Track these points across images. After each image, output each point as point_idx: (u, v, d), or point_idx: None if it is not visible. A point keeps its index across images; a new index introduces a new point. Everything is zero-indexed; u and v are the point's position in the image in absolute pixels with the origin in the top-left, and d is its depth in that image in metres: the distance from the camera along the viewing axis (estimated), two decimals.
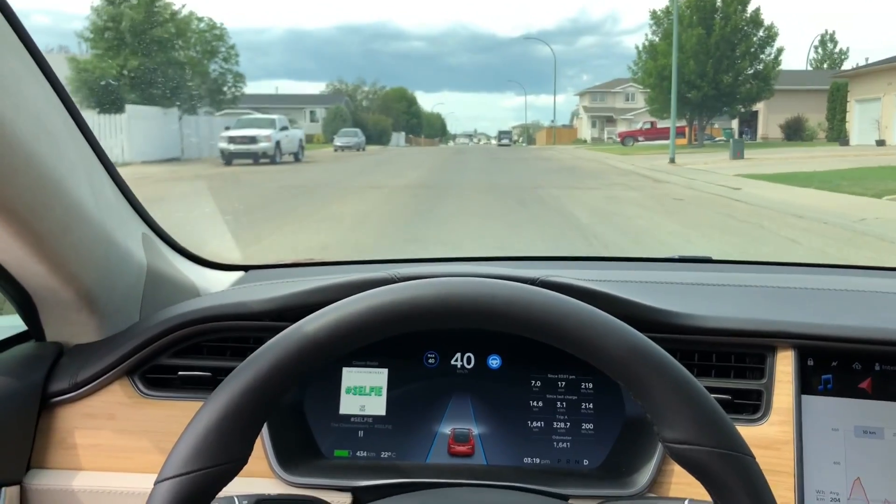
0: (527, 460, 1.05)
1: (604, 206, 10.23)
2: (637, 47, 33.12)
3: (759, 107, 32.47)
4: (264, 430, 0.99)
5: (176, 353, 1.07)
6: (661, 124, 37.20)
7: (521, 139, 70.63)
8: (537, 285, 0.67)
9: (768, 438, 0.98)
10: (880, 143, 24.85)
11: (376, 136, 47.09)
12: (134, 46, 19.06)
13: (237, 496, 0.78)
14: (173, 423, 1.02)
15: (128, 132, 17.46)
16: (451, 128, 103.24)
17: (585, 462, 1.05)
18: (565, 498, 0.96)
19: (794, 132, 32.73)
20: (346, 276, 1.03)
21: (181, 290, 1.24)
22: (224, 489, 0.62)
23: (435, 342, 1.09)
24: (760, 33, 29.54)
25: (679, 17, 25.93)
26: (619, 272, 1.35)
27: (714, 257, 1.55)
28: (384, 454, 1.06)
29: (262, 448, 0.99)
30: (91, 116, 16.54)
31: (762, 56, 29.72)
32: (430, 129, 75.93)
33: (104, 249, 1.01)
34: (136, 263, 1.11)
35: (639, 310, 1.01)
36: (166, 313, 1.09)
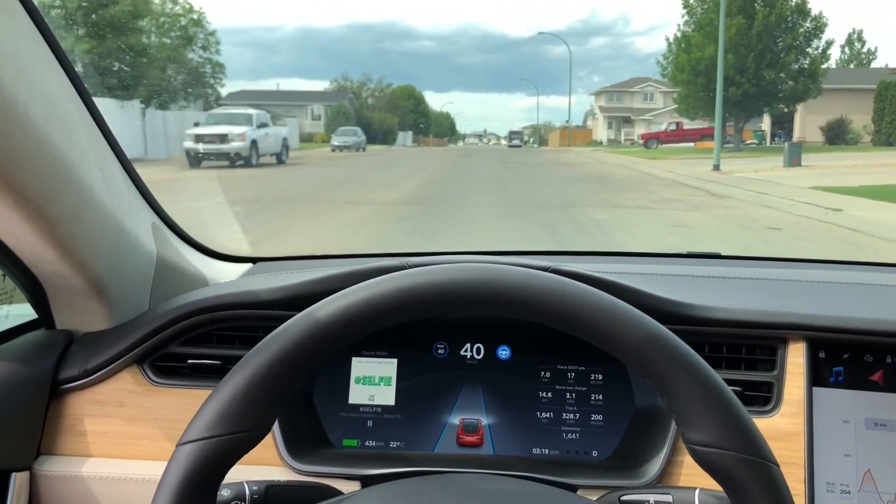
0: (535, 451, 1.08)
1: (673, 240, 7.50)
2: (668, 39, 29.67)
3: (796, 107, 28.54)
4: None
5: (185, 341, 1.11)
6: (687, 125, 33.39)
7: (531, 140, 69.70)
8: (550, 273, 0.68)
9: (779, 430, 1.01)
10: None
11: (381, 136, 46.38)
12: (85, 27, 15.51)
13: (247, 482, 0.82)
14: (182, 411, 1.06)
15: None
16: (461, 128, 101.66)
17: (594, 453, 1.08)
18: (574, 488, 0.99)
19: (837, 135, 29.44)
20: (356, 264, 1.05)
21: (190, 280, 1.27)
22: (234, 476, 0.66)
23: (444, 332, 1.13)
24: (807, 24, 25.63)
25: (716, 4, 22.25)
26: (627, 265, 1.38)
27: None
28: (393, 444, 1.09)
29: (271, 436, 1.03)
30: None
31: (808, 50, 25.77)
32: (438, 128, 75.27)
33: (115, 237, 1.05)
34: (145, 252, 1.15)
35: (649, 300, 1.03)
36: (176, 302, 1.12)
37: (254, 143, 17.15)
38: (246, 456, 0.64)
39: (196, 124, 17.25)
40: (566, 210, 10.01)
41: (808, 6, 27.40)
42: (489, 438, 1.09)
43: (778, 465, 0.61)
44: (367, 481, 1.00)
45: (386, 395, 1.11)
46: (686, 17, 29.59)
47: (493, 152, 39.91)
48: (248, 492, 0.82)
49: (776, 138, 36.48)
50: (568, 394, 1.10)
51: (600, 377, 1.11)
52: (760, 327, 1.06)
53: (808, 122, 33.00)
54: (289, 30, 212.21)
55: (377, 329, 0.65)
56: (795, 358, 1.05)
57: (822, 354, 1.05)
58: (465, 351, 1.13)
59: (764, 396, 1.05)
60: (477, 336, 1.12)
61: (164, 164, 16.03)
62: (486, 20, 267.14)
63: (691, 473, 1.00)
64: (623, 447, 1.07)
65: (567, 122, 57.40)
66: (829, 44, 28.27)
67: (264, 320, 1.10)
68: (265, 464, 1.02)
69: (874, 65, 45.59)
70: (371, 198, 11.20)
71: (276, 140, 19.22)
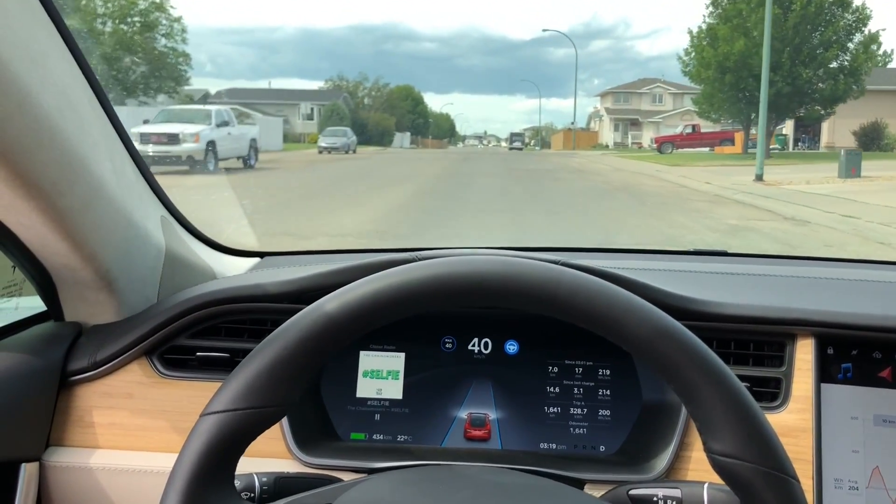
0: (543, 445, 1.11)
1: None
2: (690, 32, 26.41)
3: (834, 108, 25.42)
4: None
5: (194, 334, 1.15)
6: (704, 127, 30.47)
7: (533, 142, 66.09)
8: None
9: (787, 426, 1.04)
10: None
11: (378, 137, 44.96)
12: None
13: (256, 473, 0.85)
14: (191, 403, 1.10)
15: None
16: (461, 129, 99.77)
17: (602, 448, 1.11)
18: (581, 483, 1.02)
19: (871, 140, 26.18)
20: (365, 258, 1.08)
21: (198, 274, 1.31)
22: (244, 468, 0.70)
23: (452, 327, 1.16)
24: (848, 16, 22.49)
25: None
26: (634, 262, 1.41)
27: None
28: (400, 437, 1.13)
29: (280, 429, 1.07)
30: None
31: (850, 45, 22.65)
32: (437, 129, 72.99)
33: (124, 229, 1.09)
34: (154, 245, 1.19)
35: (657, 295, 1.06)
36: (184, 295, 1.16)
37: (211, 144, 14.95)
38: (255, 448, 0.67)
39: (146, 122, 15.26)
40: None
41: None
42: (497, 433, 1.11)
43: (798, 481, 0.62)
44: (374, 474, 1.03)
45: (394, 389, 1.14)
46: (711, 9, 26.58)
47: (495, 155, 38.03)
48: (257, 483, 0.85)
49: (799, 143, 33.49)
50: (576, 389, 1.13)
51: (608, 372, 1.14)
52: (769, 323, 1.08)
53: (837, 125, 30.10)
54: (290, 31, 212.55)
55: (404, 315, 0.66)
56: (804, 354, 1.07)
57: (830, 351, 1.07)
58: (473, 345, 1.15)
59: (772, 392, 1.07)
60: (485, 330, 1.16)
61: None
62: (487, 23, 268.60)
63: (699, 468, 1.03)
64: (631, 442, 1.10)
65: (573, 123, 54.73)
66: (874, 38, 25.06)
67: (273, 313, 1.14)
68: (274, 456, 1.05)
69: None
70: (322, 224, 8.60)
71: (242, 141, 17.29)
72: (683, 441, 1.01)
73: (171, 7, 20.66)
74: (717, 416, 0.61)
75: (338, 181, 15.91)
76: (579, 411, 1.10)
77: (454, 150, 52.36)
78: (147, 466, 1.05)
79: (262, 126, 31.74)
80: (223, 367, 1.10)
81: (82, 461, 1.06)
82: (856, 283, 1.25)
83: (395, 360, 1.12)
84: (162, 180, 1.23)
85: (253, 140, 17.53)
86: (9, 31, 0.77)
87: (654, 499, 0.90)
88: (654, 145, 33.85)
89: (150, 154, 13.63)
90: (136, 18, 19.91)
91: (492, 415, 1.10)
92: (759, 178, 15.59)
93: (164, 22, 20.57)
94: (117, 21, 19.66)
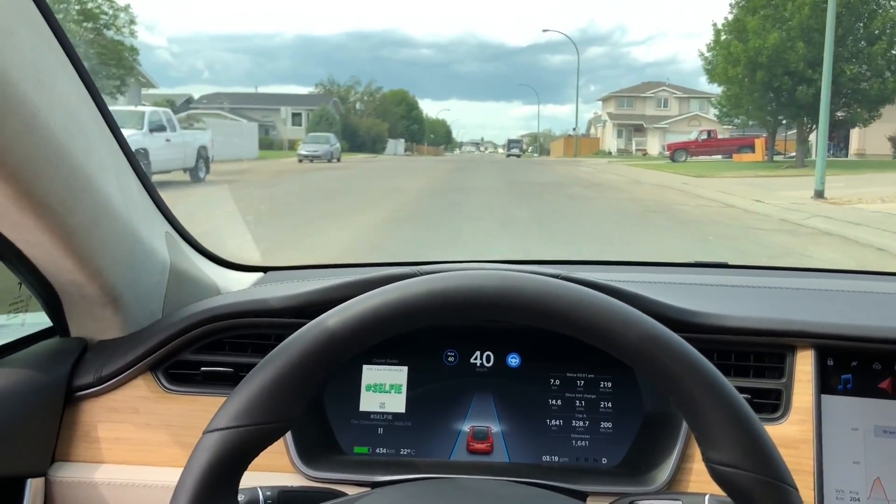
0: (545, 458, 1.15)
1: None
2: (715, 26, 23.19)
3: (880, 110, 22.36)
4: None
5: (198, 349, 1.19)
6: (720, 133, 27.60)
7: (531, 149, 63.69)
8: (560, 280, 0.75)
9: (788, 438, 1.07)
10: None
11: (370, 143, 42.91)
12: None
13: (260, 487, 0.86)
14: (195, 418, 1.14)
15: None
16: (458, 136, 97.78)
17: (604, 460, 1.15)
18: (584, 495, 1.06)
19: None
20: (368, 273, 1.11)
21: (203, 289, 1.35)
22: (247, 482, 0.71)
23: (454, 340, 1.20)
24: None
25: None
26: (635, 275, 1.43)
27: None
28: (403, 451, 1.17)
29: (283, 444, 1.12)
30: None
31: None
32: (433, 136, 69.52)
33: (130, 246, 1.13)
34: (159, 261, 1.24)
35: (658, 308, 1.10)
36: (189, 310, 1.21)
37: (142, 153, 12.34)
38: (259, 463, 0.69)
39: None
40: None
41: None
42: (502, 446, 1.16)
43: (797, 490, 0.64)
44: (378, 488, 1.08)
45: (396, 403, 1.17)
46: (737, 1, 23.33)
47: (492, 163, 35.86)
48: (261, 497, 0.86)
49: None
50: (577, 401, 1.16)
51: (609, 385, 1.17)
52: (769, 335, 1.12)
53: (868, 131, 26.99)
54: (288, 37, 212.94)
55: (405, 330, 0.69)
56: (804, 365, 1.11)
57: (830, 362, 1.10)
58: (475, 359, 1.18)
59: (772, 404, 1.11)
60: (487, 344, 1.19)
61: None
62: (484, 30, 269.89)
63: (701, 480, 1.06)
64: (632, 454, 1.15)
65: (574, 129, 52.35)
66: None
67: (276, 328, 1.18)
68: (278, 470, 1.09)
69: None
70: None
71: (186, 150, 14.86)
72: (685, 453, 1.06)
73: None
74: (714, 425, 0.63)
75: (295, 201, 12.46)
76: (581, 424, 1.14)
77: (450, 157, 50.70)
78: (152, 481, 1.09)
79: (235, 132, 28.23)
80: (227, 381, 1.14)
81: (88, 476, 1.10)
82: (856, 294, 1.30)
83: (397, 374, 1.16)
84: None
85: (203, 148, 15.06)
86: (17, 53, 0.81)
87: None
88: (667, 152, 31.98)
89: None
90: (73, 6, 16.85)
91: (494, 428, 1.14)
92: (820, 194, 12.99)
93: (108, 12, 17.51)
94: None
